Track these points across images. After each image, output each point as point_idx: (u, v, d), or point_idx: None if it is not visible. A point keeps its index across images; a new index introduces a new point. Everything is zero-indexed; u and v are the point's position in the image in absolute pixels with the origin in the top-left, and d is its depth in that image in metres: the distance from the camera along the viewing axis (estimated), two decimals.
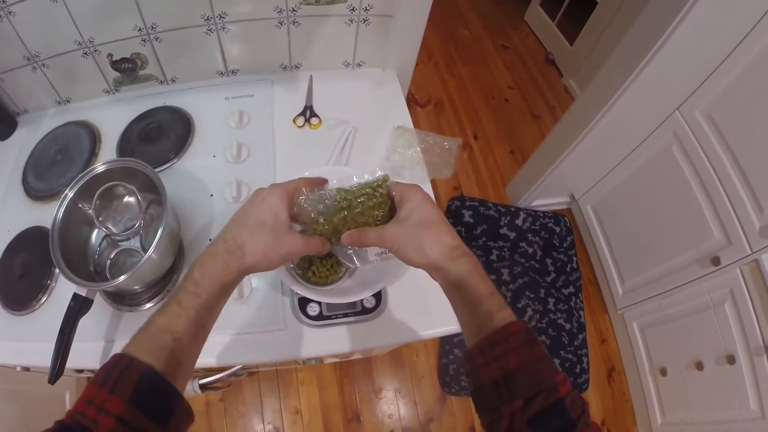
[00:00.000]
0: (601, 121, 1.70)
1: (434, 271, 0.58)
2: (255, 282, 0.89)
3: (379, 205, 0.65)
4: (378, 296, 0.85)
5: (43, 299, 0.87)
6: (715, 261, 1.53)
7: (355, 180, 0.71)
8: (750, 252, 1.42)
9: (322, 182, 0.69)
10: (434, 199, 0.64)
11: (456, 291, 0.56)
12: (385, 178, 0.67)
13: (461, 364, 0.55)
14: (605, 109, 1.64)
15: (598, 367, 2.10)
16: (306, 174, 0.70)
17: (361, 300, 0.84)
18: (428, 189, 1.01)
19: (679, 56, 1.40)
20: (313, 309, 0.84)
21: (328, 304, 0.83)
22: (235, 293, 0.83)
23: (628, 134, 1.83)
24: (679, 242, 1.72)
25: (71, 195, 0.82)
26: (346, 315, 0.84)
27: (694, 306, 1.65)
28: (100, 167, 0.83)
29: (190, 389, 1.03)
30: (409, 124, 1.12)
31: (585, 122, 1.76)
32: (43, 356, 0.74)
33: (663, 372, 1.82)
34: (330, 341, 0.85)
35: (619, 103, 1.60)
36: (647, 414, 1.91)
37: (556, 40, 3.07)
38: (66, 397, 1.57)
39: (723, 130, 1.50)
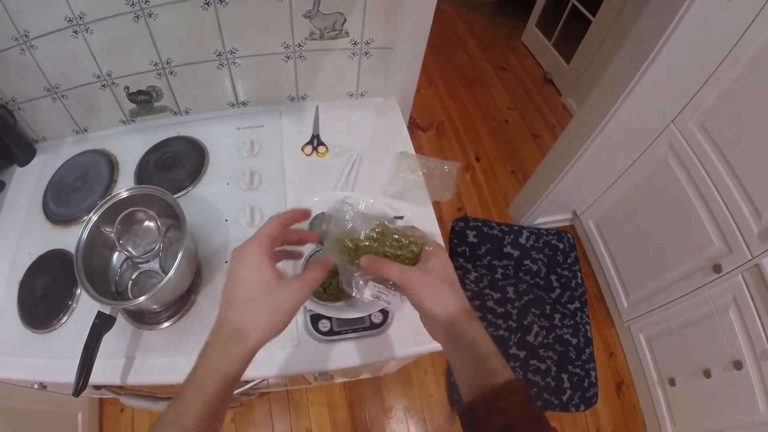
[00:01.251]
0: (599, 137, 1.74)
1: (448, 325, 0.59)
2: None
3: (407, 258, 0.68)
4: (385, 312, 0.89)
5: (64, 319, 0.90)
6: (717, 268, 1.54)
7: (399, 223, 0.73)
8: (750, 257, 1.43)
9: (300, 216, 0.65)
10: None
11: (468, 348, 0.57)
12: (426, 242, 0.69)
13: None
14: (602, 125, 1.68)
15: (607, 381, 2.11)
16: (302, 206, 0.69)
17: (369, 315, 0.87)
18: (430, 211, 1.06)
19: (671, 70, 1.44)
20: (324, 325, 0.87)
21: (338, 319, 0.87)
22: None
23: (626, 149, 1.86)
24: (680, 252, 1.74)
25: (95, 219, 0.86)
26: (355, 330, 0.87)
27: (699, 314, 1.66)
28: (123, 193, 0.88)
29: None
30: (411, 149, 1.17)
31: (583, 139, 1.80)
32: (61, 373, 0.78)
33: (671, 382, 1.82)
34: (341, 356, 0.88)
35: (615, 118, 1.64)
36: (658, 425, 1.90)
37: (553, 60, 3.13)
38: (78, 418, 1.59)
39: (717, 140, 1.53)
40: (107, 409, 1.81)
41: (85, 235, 0.84)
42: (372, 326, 0.88)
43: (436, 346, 0.88)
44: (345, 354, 0.88)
